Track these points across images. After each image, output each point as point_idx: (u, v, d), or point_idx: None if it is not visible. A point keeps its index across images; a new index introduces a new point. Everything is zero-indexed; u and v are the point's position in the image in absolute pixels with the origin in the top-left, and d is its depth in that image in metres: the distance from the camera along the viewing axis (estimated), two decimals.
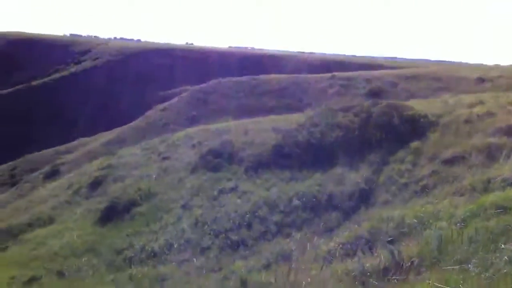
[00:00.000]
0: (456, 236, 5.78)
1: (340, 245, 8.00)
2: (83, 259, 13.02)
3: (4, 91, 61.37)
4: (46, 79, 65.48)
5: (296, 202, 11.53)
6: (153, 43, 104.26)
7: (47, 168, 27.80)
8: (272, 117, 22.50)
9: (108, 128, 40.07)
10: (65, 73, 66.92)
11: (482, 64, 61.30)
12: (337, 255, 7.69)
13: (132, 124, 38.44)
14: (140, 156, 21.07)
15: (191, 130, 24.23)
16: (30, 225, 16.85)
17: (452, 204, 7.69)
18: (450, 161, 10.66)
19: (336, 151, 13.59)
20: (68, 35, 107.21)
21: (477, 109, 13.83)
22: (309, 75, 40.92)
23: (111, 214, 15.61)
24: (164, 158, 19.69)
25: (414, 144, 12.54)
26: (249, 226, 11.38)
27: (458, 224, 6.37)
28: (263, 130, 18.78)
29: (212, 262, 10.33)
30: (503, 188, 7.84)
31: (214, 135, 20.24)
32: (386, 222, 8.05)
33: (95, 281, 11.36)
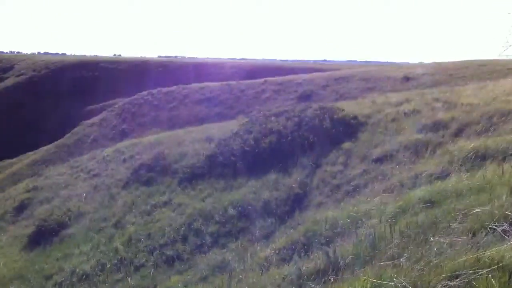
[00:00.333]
0: (387, 232, 5.85)
1: (277, 251, 7.95)
2: None
3: None
4: None
5: (231, 211, 11.37)
6: (79, 56, 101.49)
7: None
8: (205, 126, 22.35)
9: (33, 147, 38.39)
10: None
11: (406, 63, 63.92)
12: (274, 261, 7.62)
13: (59, 142, 37.06)
14: (68, 175, 20.28)
15: (121, 144, 23.66)
16: None
17: (383, 202, 7.80)
18: (379, 160, 10.84)
19: (270, 156, 13.58)
20: None
21: (404, 107, 14.23)
22: (241, 82, 41.08)
23: (39, 238, 14.87)
24: (94, 176, 19.06)
25: (346, 145, 12.71)
26: (184, 239, 11.10)
27: (389, 221, 6.44)
28: (196, 140, 18.58)
29: (147, 280, 9.95)
30: (430, 182, 8.05)
31: (145, 148, 19.83)
32: (320, 224, 8.08)
33: None
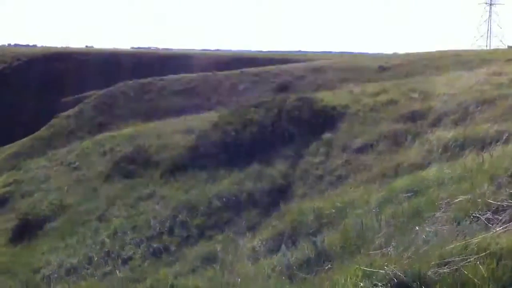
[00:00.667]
0: (373, 222, 6.02)
1: (264, 242, 8.07)
2: None
3: None
4: None
5: (216, 203, 11.47)
6: (50, 47, 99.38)
7: None
8: (185, 117, 22.28)
9: (8, 141, 37.66)
10: None
11: (381, 53, 64.61)
12: (262, 252, 7.74)
13: (35, 134, 36.46)
14: (48, 168, 20.06)
15: (100, 137, 23.43)
16: None
17: (366, 192, 7.98)
18: (360, 150, 11.09)
19: (252, 148, 13.69)
20: None
21: (381, 98, 14.52)
22: (218, 73, 40.97)
23: (23, 232, 14.73)
24: (75, 168, 18.90)
25: (326, 135, 12.91)
26: (170, 231, 11.17)
27: (374, 211, 6.62)
28: (176, 131, 18.56)
29: (136, 272, 10.03)
30: (411, 171, 8.28)
31: (125, 141, 19.72)
32: (306, 214, 8.23)
33: None
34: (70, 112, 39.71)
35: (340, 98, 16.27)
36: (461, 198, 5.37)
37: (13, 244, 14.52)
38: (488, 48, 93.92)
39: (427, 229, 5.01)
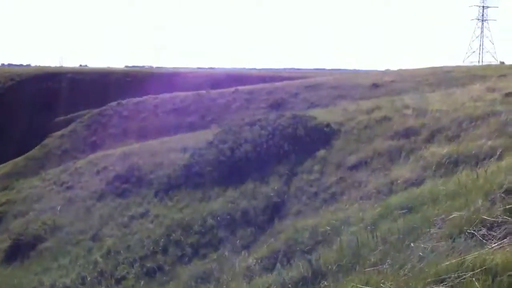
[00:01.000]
0: (368, 239, 6.00)
1: (259, 260, 8.02)
2: None
3: None
4: None
5: (210, 221, 11.40)
6: (44, 67, 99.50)
7: None
8: (179, 136, 22.29)
9: (1, 160, 37.47)
10: None
11: (373, 70, 65.19)
12: (256, 270, 7.68)
13: (28, 154, 36.32)
14: (40, 188, 19.98)
15: (94, 156, 23.41)
16: None
17: (361, 209, 7.97)
18: (355, 167, 11.07)
19: (246, 166, 13.66)
20: None
21: (375, 115, 14.56)
22: (212, 91, 41.07)
23: (16, 253, 14.66)
24: (68, 188, 18.83)
25: (320, 152, 12.91)
26: (164, 251, 11.08)
27: (369, 228, 6.60)
28: (171, 150, 18.55)
29: None
30: (406, 189, 8.27)
31: (119, 160, 19.68)
32: (301, 232, 8.20)
33: None
34: (64, 131, 39.64)
35: (334, 116, 16.32)
36: (455, 214, 5.35)
37: (6, 264, 14.42)
38: (480, 64, 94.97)
39: (423, 246, 4.99)
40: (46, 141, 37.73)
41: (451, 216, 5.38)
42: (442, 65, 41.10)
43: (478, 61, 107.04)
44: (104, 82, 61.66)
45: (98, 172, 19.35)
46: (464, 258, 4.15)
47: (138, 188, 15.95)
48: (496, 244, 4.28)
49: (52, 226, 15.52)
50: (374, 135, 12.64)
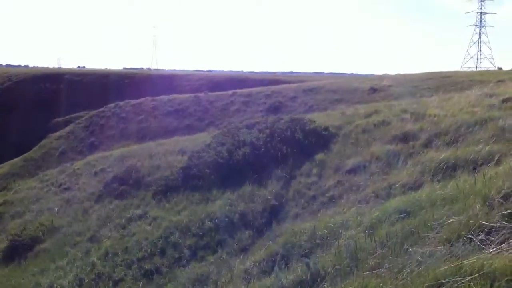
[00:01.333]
0: (366, 243, 6.01)
1: (257, 263, 8.02)
2: None
3: None
4: None
5: (208, 223, 11.39)
6: (42, 68, 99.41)
7: None
8: (177, 138, 22.32)
9: None
10: None
11: (371, 75, 65.36)
12: (254, 273, 7.69)
13: (26, 155, 36.32)
14: (38, 189, 19.95)
15: (91, 157, 23.42)
16: None
17: (359, 212, 7.98)
18: (353, 171, 11.08)
19: (244, 168, 13.66)
20: None
21: (373, 119, 14.59)
22: (210, 94, 41.14)
23: (13, 254, 14.62)
24: (65, 189, 18.81)
25: (319, 156, 12.93)
26: (162, 253, 11.06)
27: (367, 231, 6.60)
28: (168, 152, 18.57)
29: None
30: (404, 193, 8.29)
31: (117, 161, 19.68)
32: (299, 235, 8.20)
33: None
34: (61, 132, 39.66)
35: (332, 119, 16.36)
36: (453, 219, 5.37)
37: (3, 265, 14.40)
38: (478, 69, 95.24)
39: (421, 250, 5.00)
40: (44, 142, 37.74)
41: (449, 221, 5.40)
42: (439, 70, 41.19)
43: (476, 67, 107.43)
44: (102, 83, 61.68)
45: (96, 174, 19.36)
46: (462, 263, 4.17)
47: (136, 190, 15.95)
48: (494, 249, 4.30)
49: (49, 227, 15.49)
50: (372, 139, 12.67)
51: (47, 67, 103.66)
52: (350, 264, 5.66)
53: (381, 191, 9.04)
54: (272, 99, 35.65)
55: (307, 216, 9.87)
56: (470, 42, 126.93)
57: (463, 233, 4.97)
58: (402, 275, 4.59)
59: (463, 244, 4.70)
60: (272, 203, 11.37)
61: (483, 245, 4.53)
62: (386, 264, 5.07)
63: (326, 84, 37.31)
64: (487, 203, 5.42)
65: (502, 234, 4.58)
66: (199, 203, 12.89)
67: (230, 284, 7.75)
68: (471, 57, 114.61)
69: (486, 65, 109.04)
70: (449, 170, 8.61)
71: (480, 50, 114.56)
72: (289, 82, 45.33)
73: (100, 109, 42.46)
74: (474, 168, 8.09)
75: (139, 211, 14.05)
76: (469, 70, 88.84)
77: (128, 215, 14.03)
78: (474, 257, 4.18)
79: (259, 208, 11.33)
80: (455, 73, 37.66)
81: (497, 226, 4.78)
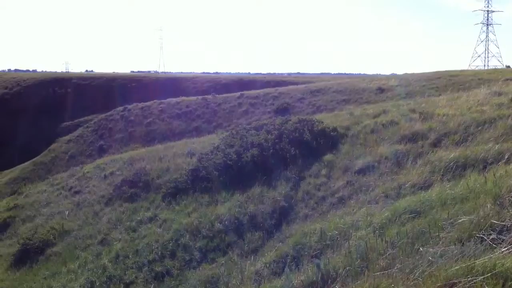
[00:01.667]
0: (377, 243, 6.01)
1: (267, 265, 8.04)
2: None
3: None
4: None
5: (218, 225, 11.41)
6: (50, 72, 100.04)
7: None
8: (186, 140, 22.38)
9: (8, 165, 37.77)
10: None
11: (378, 74, 65.17)
12: (264, 275, 7.71)
13: (36, 159, 36.60)
14: (49, 192, 20.06)
15: (100, 160, 23.52)
16: None
17: (369, 213, 7.97)
18: (362, 171, 11.05)
19: (253, 170, 13.67)
20: None
21: (382, 119, 14.56)
22: (218, 96, 41.24)
23: (25, 257, 14.72)
24: (76, 193, 18.91)
25: (327, 157, 12.91)
26: (172, 255, 11.10)
27: (377, 232, 6.61)
28: (177, 154, 18.62)
29: None
30: (413, 193, 8.28)
31: (126, 164, 19.76)
32: (309, 236, 8.21)
33: None
34: (70, 136, 39.93)
35: (341, 120, 16.35)
36: (464, 218, 5.37)
37: (15, 269, 14.50)
38: (486, 68, 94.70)
39: (432, 250, 5.00)
40: (53, 146, 38.01)
41: (460, 220, 5.40)
42: (447, 69, 41.01)
43: (484, 65, 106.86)
44: (110, 87, 61.99)
45: (105, 177, 19.43)
46: (474, 263, 4.17)
47: (145, 192, 16.00)
48: (506, 248, 4.30)
49: (60, 230, 15.59)
50: (381, 139, 12.63)
51: (55, 72, 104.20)
52: (361, 265, 5.66)
53: (390, 191, 9.02)
54: (279, 101, 35.68)
55: (317, 217, 9.87)
56: (477, 41, 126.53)
57: (474, 232, 4.97)
58: (414, 276, 4.59)
59: (474, 244, 4.70)
60: (281, 204, 11.36)
61: (495, 244, 4.53)
62: (397, 265, 5.07)
63: (334, 84, 37.28)
64: (498, 202, 5.41)
65: None
66: (209, 205, 12.91)
67: (241, 286, 7.77)
68: (479, 56, 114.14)
69: (494, 63, 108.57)
70: (459, 169, 8.59)
71: (488, 49, 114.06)
72: (296, 83, 45.34)
73: (109, 113, 42.70)
74: (484, 167, 8.08)
75: (149, 214, 14.10)
76: (477, 68, 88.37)
77: (138, 218, 14.08)
78: (486, 257, 4.18)
79: (269, 209, 11.33)
80: (463, 72, 37.45)
81: (509, 225, 4.78)
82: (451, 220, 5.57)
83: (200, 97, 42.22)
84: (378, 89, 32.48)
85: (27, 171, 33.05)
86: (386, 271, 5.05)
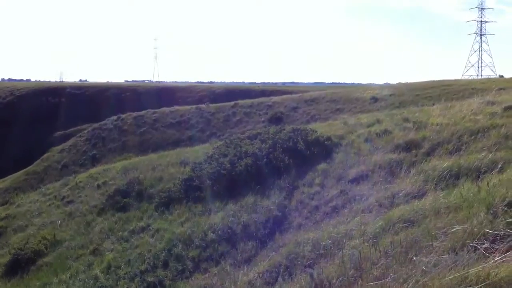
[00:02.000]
0: (370, 253, 5.96)
1: (260, 274, 7.97)
2: None
3: None
4: None
5: (211, 235, 11.32)
6: (44, 82, 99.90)
7: None
8: (179, 150, 22.32)
9: (1, 175, 37.51)
10: None
11: (372, 84, 65.49)
12: (258, 285, 7.64)
13: (28, 169, 36.38)
14: (41, 202, 19.92)
15: (94, 170, 23.41)
16: None
17: (363, 222, 7.93)
18: (356, 180, 11.04)
19: (247, 179, 13.63)
20: None
21: (375, 128, 14.60)
22: (212, 105, 41.25)
23: (16, 267, 14.55)
24: (68, 202, 18.78)
25: (321, 166, 12.90)
26: (165, 265, 10.98)
27: (370, 241, 6.56)
28: (171, 164, 18.56)
29: None
30: (407, 202, 8.25)
31: (119, 174, 19.67)
32: (302, 246, 8.16)
33: None
34: (63, 146, 39.74)
35: (334, 129, 16.37)
36: (458, 227, 5.34)
37: (6, 280, 14.32)
38: (479, 77, 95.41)
39: (425, 259, 4.96)
40: (46, 155, 37.83)
41: (453, 229, 5.36)
42: (440, 79, 41.27)
43: (477, 75, 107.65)
44: (103, 96, 61.93)
45: (98, 186, 19.33)
46: (467, 272, 4.13)
47: (138, 202, 15.92)
48: (499, 257, 4.27)
49: (52, 240, 15.44)
50: (375, 148, 12.64)
51: (49, 81, 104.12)
52: (354, 274, 5.61)
53: (384, 200, 8.99)
54: (273, 110, 35.72)
55: (311, 226, 9.82)
56: (471, 51, 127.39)
57: (467, 241, 4.93)
58: (408, 286, 4.54)
59: (468, 253, 4.66)
60: (275, 213, 11.31)
61: (488, 253, 4.49)
62: (391, 274, 5.02)
63: (328, 94, 37.40)
64: (491, 211, 5.38)
65: (508, 242, 4.55)
66: (202, 215, 12.84)
67: None
68: (472, 66, 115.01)
69: (487, 73, 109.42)
70: (452, 178, 8.57)
71: (481, 58, 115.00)
72: (290, 93, 45.43)
73: (102, 122, 42.60)
74: (478, 176, 8.06)
75: (141, 224, 14.00)
76: (470, 78, 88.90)
77: (131, 228, 13.97)
78: (480, 266, 4.14)
79: (262, 219, 11.27)
80: (456, 81, 37.70)
81: (502, 234, 4.75)
82: (445, 229, 5.54)
83: (194, 106, 42.23)
84: (372, 98, 32.63)
85: (19, 181, 32.84)
86: (380, 281, 5.00)
